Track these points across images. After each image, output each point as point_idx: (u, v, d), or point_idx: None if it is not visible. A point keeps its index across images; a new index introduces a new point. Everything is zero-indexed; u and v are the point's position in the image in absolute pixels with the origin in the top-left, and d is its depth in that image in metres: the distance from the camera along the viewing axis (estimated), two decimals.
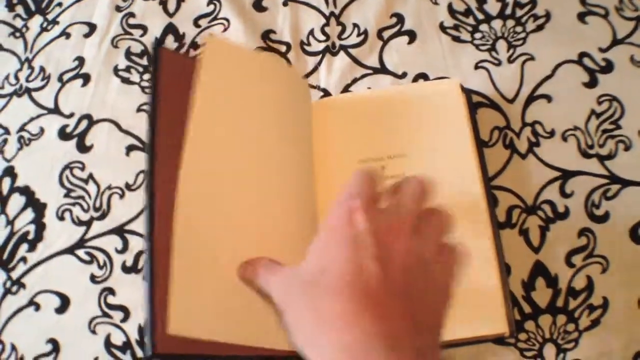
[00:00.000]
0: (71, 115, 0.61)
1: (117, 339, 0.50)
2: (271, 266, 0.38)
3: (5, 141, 0.61)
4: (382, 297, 0.29)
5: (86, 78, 0.63)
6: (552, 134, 0.51)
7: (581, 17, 0.56)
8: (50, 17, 0.68)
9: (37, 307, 0.53)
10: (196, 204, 0.38)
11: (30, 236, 0.56)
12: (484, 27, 0.57)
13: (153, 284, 0.36)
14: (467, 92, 0.52)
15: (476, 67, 0.56)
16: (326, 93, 0.57)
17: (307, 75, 0.58)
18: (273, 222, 0.43)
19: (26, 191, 0.58)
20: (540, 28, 0.56)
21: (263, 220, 0.43)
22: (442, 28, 0.58)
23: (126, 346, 0.50)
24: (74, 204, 0.56)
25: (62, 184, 0.58)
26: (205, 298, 0.37)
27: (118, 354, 0.49)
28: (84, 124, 0.60)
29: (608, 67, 0.53)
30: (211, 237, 0.39)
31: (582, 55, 0.54)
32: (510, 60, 0.55)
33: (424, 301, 0.31)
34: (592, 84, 0.52)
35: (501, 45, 0.56)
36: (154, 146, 0.41)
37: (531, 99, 0.53)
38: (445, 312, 0.32)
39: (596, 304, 0.45)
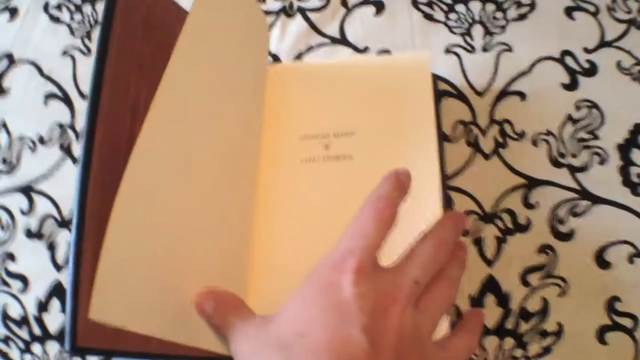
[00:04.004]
0: None
1: (14, 311, 0.44)
2: (240, 311, 0.32)
3: None
4: None
5: (14, 12, 0.56)
6: (521, 135, 0.45)
7: (569, 11, 0.49)
8: None
9: None
10: (144, 183, 0.30)
11: None
12: (460, 7, 0.51)
13: (78, 268, 0.30)
14: (434, 77, 0.45)
15: (447, 51, 0.49)
16: (275, 59, 0.50)
17: None
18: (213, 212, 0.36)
19: None
20: (522, 17, 0.50)
21: (208, 209, 0.36)
22: (415, 3, 0.51)
23: (24, 321, 0.44)
24: None
25: None
26: (135, 285, 0.30)
27: (14, 328, 0.44)
28: (4, 63, 0.54)
29: (591, 70, 0.47)
30: (150, 222, 0.31)
31: (565, 53, 0.48)
32: (485, 49, 0.49)
33: None
34: (572, 86, 0.47)
35: (477, 30, 0.50)
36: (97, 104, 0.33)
37: (503, 94, 0.47)
38: None
39: (549, 330, 0.40)
